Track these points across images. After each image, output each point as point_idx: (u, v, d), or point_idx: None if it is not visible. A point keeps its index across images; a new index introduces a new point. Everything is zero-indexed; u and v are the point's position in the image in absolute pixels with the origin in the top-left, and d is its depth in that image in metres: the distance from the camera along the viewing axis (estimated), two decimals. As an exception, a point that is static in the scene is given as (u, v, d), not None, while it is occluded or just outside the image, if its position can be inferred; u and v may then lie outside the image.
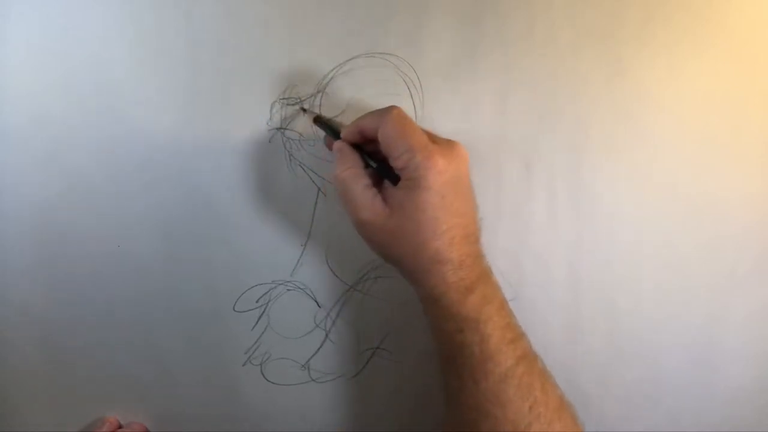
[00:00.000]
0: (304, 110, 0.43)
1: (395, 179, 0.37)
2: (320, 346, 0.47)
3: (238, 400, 0.48)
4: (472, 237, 0.38)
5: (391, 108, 0.37)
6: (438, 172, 0.35)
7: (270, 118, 0.44)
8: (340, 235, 0.45)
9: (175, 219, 0.45)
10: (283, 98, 0.43)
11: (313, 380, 0.48)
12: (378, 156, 0.39)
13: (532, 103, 0.44)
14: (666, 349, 0.48)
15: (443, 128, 0.44)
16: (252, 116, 0.44)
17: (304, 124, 0.44)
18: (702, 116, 0.45)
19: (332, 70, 0.43)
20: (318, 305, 0.47)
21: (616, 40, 0.43)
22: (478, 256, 0.38)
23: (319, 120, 0.42)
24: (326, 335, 0.47)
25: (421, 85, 0.43)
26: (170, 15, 0.42)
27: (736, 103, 0.45)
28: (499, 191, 0.45)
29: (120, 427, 0.48)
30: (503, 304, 0.38)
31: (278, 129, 0.44)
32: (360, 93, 0.43)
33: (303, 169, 0.44)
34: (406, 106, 0.43)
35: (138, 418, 0.48)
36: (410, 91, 0.43)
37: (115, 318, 0.47)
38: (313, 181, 0.45)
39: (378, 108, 0.38)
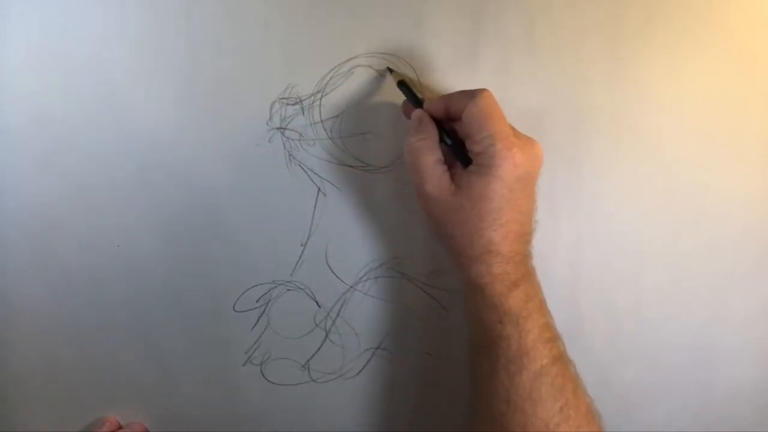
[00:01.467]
0: (391, 70, 0.42)
1: (466, 161, 0.37)
2: (320, 346, 0.47)
3: (238, 400, 0.48)
4: (526, 236, 0.38)
5: (483, 90, 0.37)
6: (513, 165, 0.35)
7: (270, 118, 0.44)
8: (340, 235, 0.45)
9: (175, 219, 0.45)
10: (283, 98, 0.43)
11: (313, 380, 0.48)
12: (453, 135, 0.39)
13: (532, 103, 0.44)
14: (666, 349, 0.48)
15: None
16: (252, 116, 0.44)
17: (304, 124, 0.44)
18: (702, 116, 0.45)
19: (332, 70, 0.43)
20: (318, 305, 0.47)
21: (616, 40, 0.43)
22: (526, 255, 0.38)
23: (403, 84, 0.42)
24: (326, 335, 0.47)
25: (421, 85, 0.43)
26: (170, 15, 0.42)
27: (736, 103, 0.45)
28: (499, 191, 0.45)
29: (120, 427, 0.48)
30: (543, 304, 0.39)
31: (278, 129, 0.44)
32: (360, 93, 0.43)
33: (303, 169, 0.44)
34: (406, 106, 0.43)
35: (138, 418, 0.48)
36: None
37: (114, 318, 0.47)
38: (313, 181, 0.45)
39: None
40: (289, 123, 0.44)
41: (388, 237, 0.46)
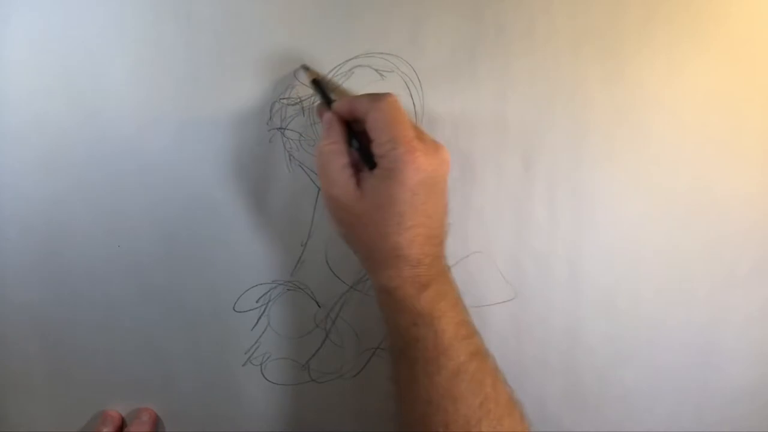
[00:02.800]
0: (306, 68, 0.42)
1: (372, 165, 0.37)
2: (320, 346, 0.47)
3: (238, 400, 0.48)
4: (436, 239, 0.38)
5: (387, 95, 0.37)
6: (415, 169, 0.35)
7: (270, 118, 0.44)
8: (340, 235, 0.45)
9: (175, 219, 0.45)
10: (283, 98, 0.43)
11: (313, 380, 0.48)
12: (363, 138, 0.38)
13: (532, 103, 0.44)
14: (666, 349, 0.48)
15: (443, 128, 0.44)
16: (252, 116, 0.44)
17: (304, 124, 0.44)
18: (702, 116, 0.45)
19: (332, 70, 0.43)
20: (318, 305, 0.47)
21: (615, 40, 0.43)
22: (437, 257, 0.38)
23: (317, 83, 0.42)
24: (326, 335, 0.47)
25: (421, 85, 0.43)
26: (170, 15, 0.42)
27: (736, 102, 0.44)
28: (499, 191, 0.45)
29: (123, 420, 0.48)
30: (458, 302, 0.39)
31: (278, 129, 0.44)
32: (360, 93, 0.43)
33: (303, 169, 0.44)
34: (406, 106, 0.43)
35: (138, 418, 0.48)
36: (410, 91, 0.43)
37: (114, 318, 0.47)
38: (313, 181, 0.45)
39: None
40: (289, 123, 0.44)
41: (388, 237, 0.46)
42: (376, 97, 0.37)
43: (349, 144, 0.39)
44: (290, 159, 0.44)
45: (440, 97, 0.44)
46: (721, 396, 0.49)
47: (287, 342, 0.47)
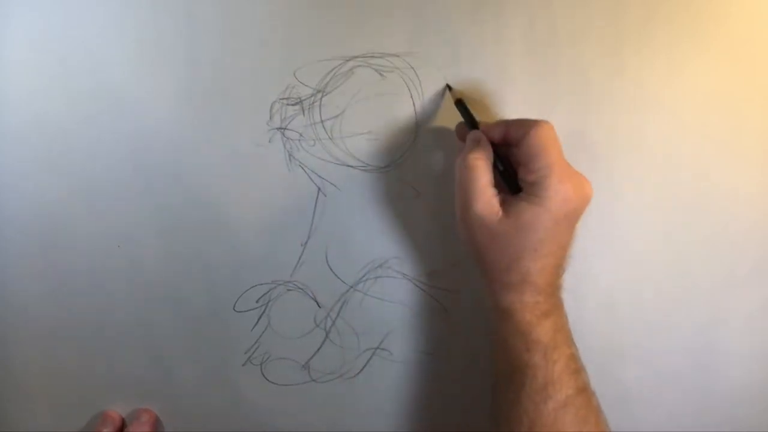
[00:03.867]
0: (450, 88, 0.42)
1: (515, 189, 0.38)
2: (320, 346, 0.47)
3: (238, 400, 0.48)
4: (560, 270, 0.39)
5: (545, 121, 0.37)
6: (564, 200, 0.36)
7: (270, 118, 0.44)
8: (340, 235, 0.45)
9: (175, 219, 0.45)
10: (283, 98, 0.43)
11: (313, 380, 0.48)
12: (505, 162, 0.39)
13: (532, 103, 0.44)
14: (666, 350, 0.48)
15: (443, 128, 0.44)
16: (252, 116, 0.44)
17: (304, 124, 0.44)
18: (702, 116, 0.45)
19: (332, 70, 0.43)
20: (318, 305, 0.47)
21: (616, 40, 0.43)
22: (558, 287, 0.39)
23: (461, 103, 0.42)
24: (326, 335, 0.47)
25: (421, 85, 0.43)
26: (170, 15, 0.42)
27: (736, 103, 0.44)
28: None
29: (123, 421, 0.48)
30: (570, 336, 0.39)
31: (278, 129, 0.44)
32: (360, 93, 0.43)
33: (303, 169, 0.44)
34: (406, 106, 0.43)
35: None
36: (410, 91, 0.43)
37: (114, 318, 0.47)
38: (313, 181, 0.45)
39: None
40: (289, 123, 0.44)
41: (388, 237, 0.46)
42: (533, 123, 0.37)
43: (494, 165, 0.39)
44: (290, 159, 0.44)
45: (440, 97, 0.44)
46: (721, 396, 0.49)
47: (287, 342, 0.47)
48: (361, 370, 0.48)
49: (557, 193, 0.35)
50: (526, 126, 0.37)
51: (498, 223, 0.37)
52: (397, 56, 0.43)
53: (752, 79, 0.44)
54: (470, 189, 0.37)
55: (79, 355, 0.47)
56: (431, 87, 0.43)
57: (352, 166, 0.44)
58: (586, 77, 0.44)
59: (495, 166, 0.39)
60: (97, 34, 0.43)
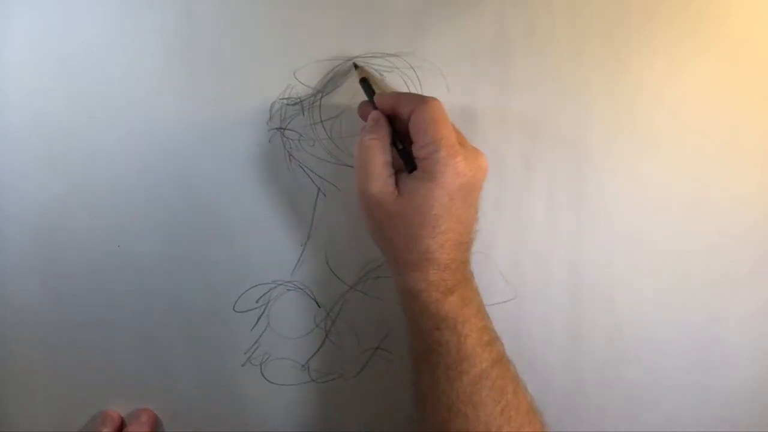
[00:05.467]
0: (357, 66, 0.42)
1: (411, 167, 0.37)
2: (320, 346, 0.47)
3: (237, 400, 0.48)
4: (464, 245, 0.38)
5: (433, 98, 0.37)
6: (456, 174, 0.35)
7: (270, 118, 0.44)
8: (340, 235, 0.45)
9: (175, 219, 0.45)
10: (283, 98, 0.43)
11: (313, 380, 0.48)
12: (405, 141, 0.38)
13: (532, 103, 0.44)
14: (666, 349, 0.48)
15: (443, 128, 0.44)
16: (252, 116, 0.44)
17: (304, 124, 0.44)
18: (702, 116, 0.45)
19: (332, 70, 0.43)
20: (318, 305, 0.47)
21: (616, 40, 0.43)
22: (463, 262, 0.38)
23: (365, 82, 0.41)
24: (326, 335, 0.47)
25: (421, 85, 0.43)
26: (170, 14, 0.42)
27: (736, 102, 0.45)
28: (499, 191, 0.45)
29: (122, 421, 0.48)
30: (481, 308, 0.39)
31: (278, 129, 0.44)
32: (360, 93, 0.43)
33: (303, 169, 0.44)
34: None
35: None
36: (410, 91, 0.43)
37: (114, 318, 0.47)
38: (313, 181, 0.45)
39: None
40: (289, 123, 0.44)
41: (388, 237, 0.45)
42: (421, 98, 0.37)
43: (392, 144, 0.39)
44: (290, 159, 0.44)
45: (440, 97, 0.44)
46: (722, 396, 0.49)
47: (287, 342, 0.47)
48: (361, 370, 0.48)
49: (448, 167, 0.35)
50: (414, 101, 0.37)
51: (394, 203, 0.36)
52: (397, 56, 0.43)
53: (752, 79, 0.44)
54: (366, 170, 0.37)
55: (79, 356, 0.47)
56: (431, 87, 0.43)
57: (352, 166, 0.44)
58: (586, 77, 0.44)
59: (394, 145, 0.39)
60: (97, 34, 0.43)
